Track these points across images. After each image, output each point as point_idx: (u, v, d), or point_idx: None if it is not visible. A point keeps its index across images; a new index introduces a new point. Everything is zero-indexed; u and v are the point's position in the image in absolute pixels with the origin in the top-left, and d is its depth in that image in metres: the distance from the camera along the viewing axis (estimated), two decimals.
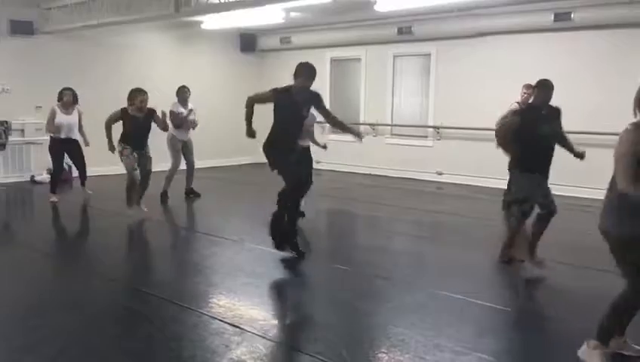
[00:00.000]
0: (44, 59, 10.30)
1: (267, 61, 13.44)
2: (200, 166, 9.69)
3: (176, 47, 12.23)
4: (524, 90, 7.90)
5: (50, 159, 8.57)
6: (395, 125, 11.74)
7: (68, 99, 8.28)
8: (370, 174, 11.79)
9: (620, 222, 3.30)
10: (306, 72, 5.52)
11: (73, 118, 8.32)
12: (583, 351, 3.51)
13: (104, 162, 8.87)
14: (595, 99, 9.15)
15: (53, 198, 8.40)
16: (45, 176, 10.22)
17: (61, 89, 8.38)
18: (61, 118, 8.26)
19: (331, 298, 4.81)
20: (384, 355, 3.62)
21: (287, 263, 5.78)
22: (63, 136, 8.30)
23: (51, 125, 8.24)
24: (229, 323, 4.13)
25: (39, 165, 10.30)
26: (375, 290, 4.96)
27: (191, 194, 8.91)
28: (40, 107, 10.04)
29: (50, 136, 8.40)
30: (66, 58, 10.51)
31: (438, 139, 11.03)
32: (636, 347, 3.60)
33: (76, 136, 8.44)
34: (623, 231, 3.29)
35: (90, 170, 8.88)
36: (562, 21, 9.10)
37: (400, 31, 10.92)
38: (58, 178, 8.67)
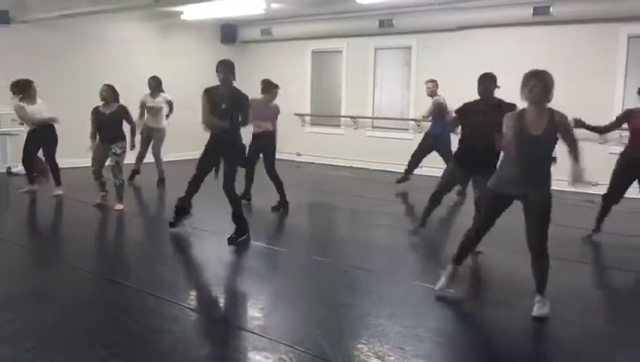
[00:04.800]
0: (20, 49, 10.09)
1: (248, 53, 13.36)
2: (178, 158, 9.68)
3: (155, 38, 12.08)
4: (427, 85, 8.97)
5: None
6: (376, 118, 11.78)
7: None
8: (350, 167, 11.81)
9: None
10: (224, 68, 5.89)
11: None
12: None
13: (77, 154, 8.75)
14: (573, 92, 9.25)
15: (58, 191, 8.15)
16: (22, 168, 10.06)
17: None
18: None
19: (311, 289, 4.81)
20: (364, 346, 3.63)
21: (266, 255, 5.79)
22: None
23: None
24: (207, 315, 4.12)
25: (15, 157, 10.13)
26: (355, 282, 4.97)
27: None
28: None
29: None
30: (42, 48, 10.32)
31: (419, 132, 11.06)
32: None
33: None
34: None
35: (63, 162, 8.71)
36: (541, 15, 9.19)
37: (381, 23, 10.93)
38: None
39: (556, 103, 9.73)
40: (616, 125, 6.13)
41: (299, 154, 12.66)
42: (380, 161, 11.41)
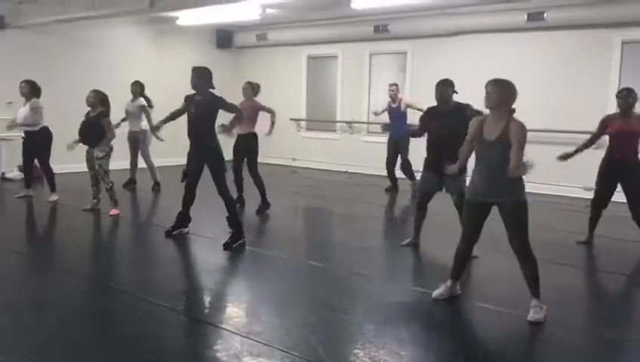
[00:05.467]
0: (15, 54, 10.09)
1: (243, 58, 13.38)
2: (174, 163, 9.70)
3: (151, 43, 12.10)
4: (391, 88, 9.39)
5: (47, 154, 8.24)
6: (372, 123, 11.78)
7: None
8: (346, 172, 11.82)
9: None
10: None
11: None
12: None
13: (78, 159, 8.73)
14: (566, 97, 9.30)
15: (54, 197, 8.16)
16: (17, 173, 10.03)
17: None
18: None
19: (307, 295, 4.81)
20: (360, 351, 3.63)
21: (262, 260, 5.78)
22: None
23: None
24: (204, 321, 4.11)
25: (10, 162, 10.10)
26: (351, 287, 4.98)
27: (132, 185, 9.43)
28: (11, 103, 9.85)
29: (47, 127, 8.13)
30: (38, 53, 10.32)
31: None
32: None
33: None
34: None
35: (59, 168, 8.68)
36: (535, 21, 9.24)
37: (376, 29, 10.98)
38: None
39: (551, 108, 9.86)
40: (597, 135, 6.16)
41: (294, 159, 12.66)
42: (376, 166, 11.41)
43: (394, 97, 9.35)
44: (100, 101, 7.37)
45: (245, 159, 7.68)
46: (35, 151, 8.18)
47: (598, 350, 3.90)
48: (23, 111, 8.06)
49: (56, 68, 10.36)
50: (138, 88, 9.21)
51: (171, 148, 9.17)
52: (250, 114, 7.59)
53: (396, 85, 9.50)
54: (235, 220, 6.02)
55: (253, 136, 7.66)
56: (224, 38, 13.10)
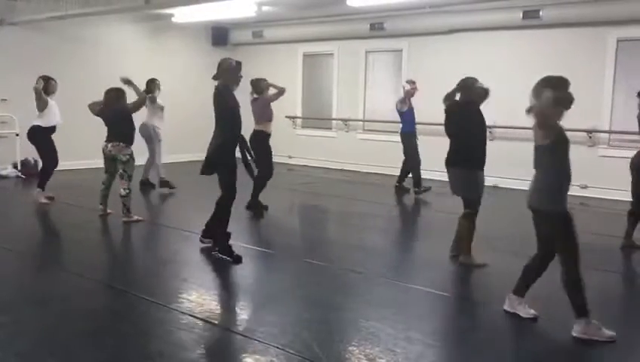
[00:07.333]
0: (9, 51, 10.06)
1: (239, 55, 13.26)
2: (168, 160, 9.67)
3: (146, 41, 12.06)
4: (412, 86, 8.86)
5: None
6: (368, 120, 11.79)
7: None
8: (342, 169, 11.82)
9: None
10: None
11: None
12: None
13: (74, 156, 8.74)
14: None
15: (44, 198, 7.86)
16: (11, 170, 10.00)
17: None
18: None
19: (303, 292, 4.80)
20: (355, 348, 3.63)
21: (258, 258, 5.78)
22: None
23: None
24: (199, 318, 4.10)
25: (4, 159, 10.07)
26: (347, 284, 4.98)
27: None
28: (5, 100, 9.83)
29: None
30: (32, 50, 10.28)
31: None
32: None
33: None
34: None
35: (60, 165, 8.62)
36: (531, 19, 9.25)
37: (372, 27, 10.98)
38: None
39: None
40: None
41: (290, 157, 12.65)
42: (372, 163, 11.43)
43: (412, 95, 8.98)
44: (115, 99, 7.04)
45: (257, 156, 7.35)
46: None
47: (598, 348, 3.90)
48: (56, 107, 7.83)
49: (51, 65, 10.26)
50: (154, 86, 8.94)
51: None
52: (262, 110, 7.41)
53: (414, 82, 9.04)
54: (216, 226, 5.71)
55: (265, 136, 7.41)
56: (220, 35, 13.07)
